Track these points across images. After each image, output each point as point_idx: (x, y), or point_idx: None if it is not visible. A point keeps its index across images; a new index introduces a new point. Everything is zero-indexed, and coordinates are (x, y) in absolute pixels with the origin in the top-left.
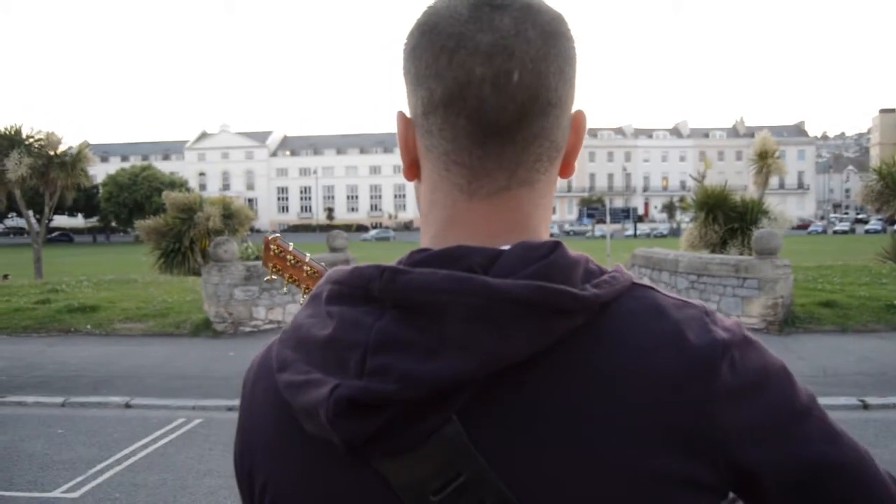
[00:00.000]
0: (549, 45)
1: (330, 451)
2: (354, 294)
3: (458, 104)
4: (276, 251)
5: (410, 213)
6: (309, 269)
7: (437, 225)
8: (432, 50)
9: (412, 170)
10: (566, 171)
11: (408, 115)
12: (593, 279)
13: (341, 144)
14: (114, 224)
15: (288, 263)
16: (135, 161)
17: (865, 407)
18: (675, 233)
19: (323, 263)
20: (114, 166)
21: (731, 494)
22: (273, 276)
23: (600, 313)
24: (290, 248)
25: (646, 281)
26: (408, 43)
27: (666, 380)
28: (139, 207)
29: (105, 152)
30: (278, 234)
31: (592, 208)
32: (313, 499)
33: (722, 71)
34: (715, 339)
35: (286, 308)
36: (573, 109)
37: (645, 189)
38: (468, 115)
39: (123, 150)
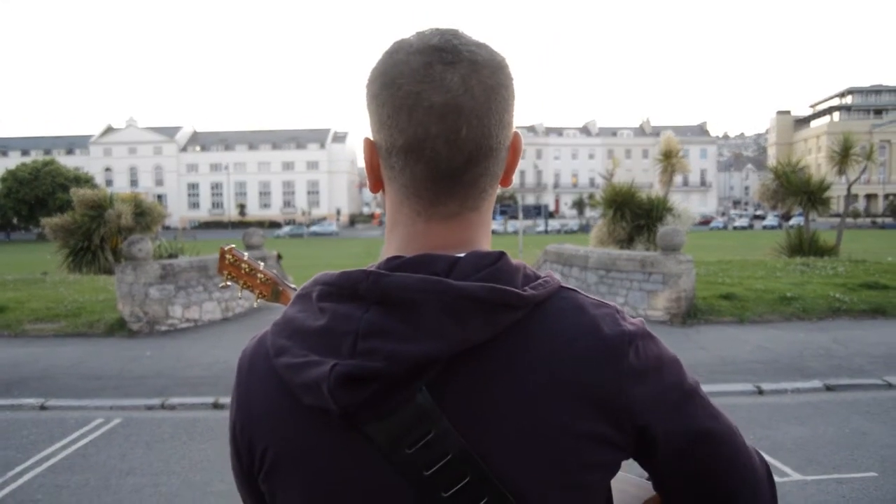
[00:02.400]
0: (491, 99)
1: (323, 418)
2: (343, 293)
3: (416, 154)
4: (231, 260)
5: (324, 209)
6: (263, 276)
7: (400, 239)
8: (394, 104)
9: (377, 186)
10: (505, 183)
11: (371, 138)
12: (531, 282)
13: (253, 140)
14: (14, 221)
15: (242, 271)
16: (36, 156)
17: (760, 392)
18: (585, 229)
19: (275, 271)
20: (13, 161)
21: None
22: (227, 283)
23: (536, 309)
24: (245, 258)
25: (569, 284)
26: (370, 88)
27: (586, 361)
28: (42, 204)
29: (4, 147)
30: (233, 245)
31: (505, 205)
32: (310, 457)
33: (629, 72)
34: (623, 331)
35: (203, 306)
36: (510, 134)
37: (555, 186)
38: (425, 162)
39: (24, 145)
